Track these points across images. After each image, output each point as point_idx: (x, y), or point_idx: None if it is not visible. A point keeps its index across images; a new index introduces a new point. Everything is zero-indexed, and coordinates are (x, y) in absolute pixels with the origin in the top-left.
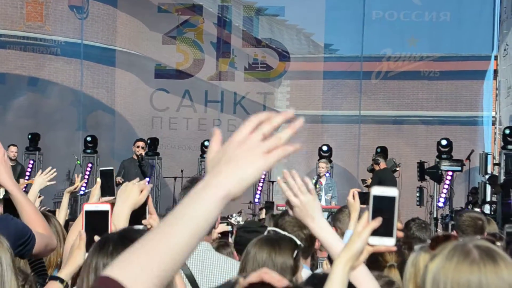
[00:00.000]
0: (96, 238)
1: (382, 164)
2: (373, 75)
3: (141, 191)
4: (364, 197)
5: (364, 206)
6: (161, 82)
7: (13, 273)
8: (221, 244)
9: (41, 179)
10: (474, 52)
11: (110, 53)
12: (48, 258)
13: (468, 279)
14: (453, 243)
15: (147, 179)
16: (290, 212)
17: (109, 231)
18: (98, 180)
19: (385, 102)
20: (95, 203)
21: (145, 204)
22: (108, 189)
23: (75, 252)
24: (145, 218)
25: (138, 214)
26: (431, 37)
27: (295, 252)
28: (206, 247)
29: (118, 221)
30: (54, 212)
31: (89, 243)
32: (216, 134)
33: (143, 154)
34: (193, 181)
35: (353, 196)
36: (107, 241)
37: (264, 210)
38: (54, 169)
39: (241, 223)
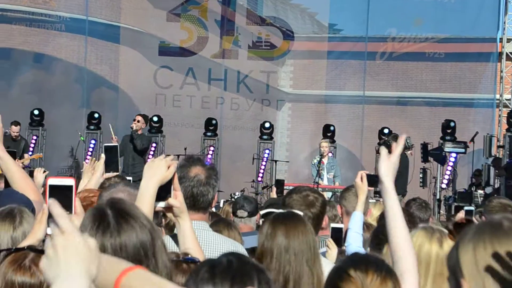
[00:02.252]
0: None
1: (394, 146)
2: (377, 56)
3: (168, 167)
4: (372, 179)
5: (372, 188)
6: (165, 60)
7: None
8: (225, 224)
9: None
10: (479, 34)
11: (115, 30)
12: None
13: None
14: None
15: (173, 156)
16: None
17: (73, 207)
18: (102, 155)
19: (389, 83)
20: (59, 177)
21: (170, 180)
22: (112, 165)
23: (36, 226)
24: (170, 194)
25: (163, 190)
26: (436, 18)
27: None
28: (203, 226)
29: (145, 196)
30: None
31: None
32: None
33: (133, 127)
34: (189, 160)
35: (361, 178)
36: (103, 217)
37: (274, 188)
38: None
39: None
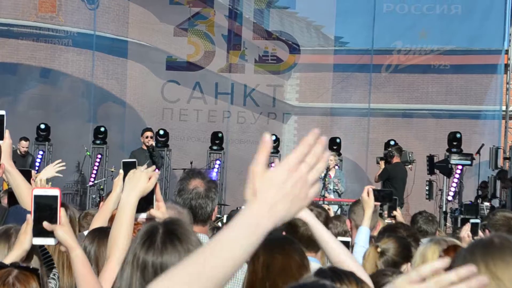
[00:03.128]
0: (45, 223)
1: (396, 158)
2: (383, 68)
3: (149, 178)
4: (378, 194)
5: (378, 203)
6: (172, 74)
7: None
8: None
9: (50, 168)
10: (485, 46)
11: (122, 44)
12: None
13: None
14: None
15: (154, 166)
16: None
17: (58, 217)
18: (121, 171)
19: (395, 95)
20: (44, 187)
21: (152, 191)
22: None
23: (21, 237)
24: (152, 205)
25: (145, 201)
26: (442, 30)
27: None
28: (202, 239)
29: (126, 208)
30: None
31: (38, 228)
32: (266, 143)
33: (154, 144)
34: (189, 173)
35: (368, 193)
36: (152, 235)
37: None
38: (64, 163)
39: None
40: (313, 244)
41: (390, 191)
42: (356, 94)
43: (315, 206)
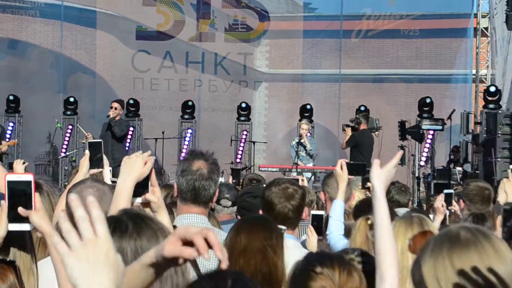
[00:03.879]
0: (20, 209)
1: (363, 125)
2: (353, 34)
3: (145, 163)
4: (351, 168)
5: (352, 177)
6: (142, 44)
7: None
8: None
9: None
10: (454, 10)
11: (91, 14)
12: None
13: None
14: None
15: (149, 151)
16: None
17: (33, 202)
18: (87, 152)
19: (365, 61)
20: (17, 173)
21: (148, 176)
22: (96, 162)
23: None
24: (148, 190)
25: (140, 186)
26: None
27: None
28: (202, 220)
29: (122, 193)
30: None
31: (12, 214)
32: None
33: (110, 114)
34: (192, 153)
35: (341, 166)
36: (119, 221)
37: (230, 177)
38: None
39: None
40: (290, 222)
41: (363, 164)
42: (327, 60)
43: (291, 184)
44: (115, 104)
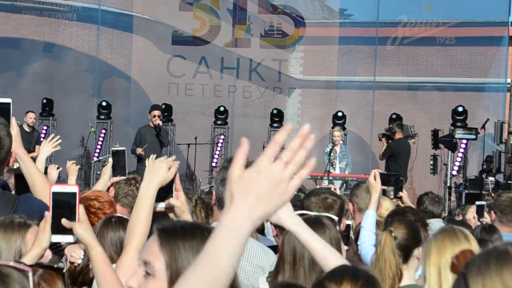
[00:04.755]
0: (64, 221)
1: (398, 134)
2: (388, 41)
3: (169, 168)
4: (385, 178)
5: (385, 187)
6: (178, 49)
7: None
8: None
9: (47, 147)
10: (489, 18)
11: (127, 19)
12: None
13: None
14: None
15: (174, 156)
16: None
17: (77, 214)
18: (110, 160)
19: (400, 68)
20: (63, 184)
21: (172, 180)
22: (120, 169)
23: (40, 235)
24: (172, 195)
25: (164, 191)
26: (447, 3)
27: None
28: None
29: (146, 197)
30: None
31: (56, 225)
32: (244, 145)
33: (161, 123)
34: (230, 161)
35: (374, 177)
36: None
37: None
38: (58, 136)
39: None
40: None
41: (396, 174)
42: (361, 67)
43: (330, 194)
44: (158, 112)
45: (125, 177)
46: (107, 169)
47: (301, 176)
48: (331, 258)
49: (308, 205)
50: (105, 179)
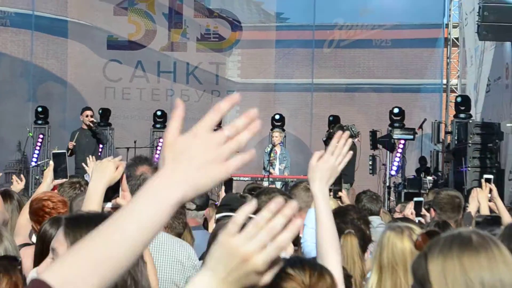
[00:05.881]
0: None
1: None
2: (325, 44)
3: (116, 168)
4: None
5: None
6: (114, 53)
7: None
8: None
9: None
10: (425, 21)
11: (62, 24)
12: None
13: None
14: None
15: (120, 156)
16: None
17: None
18: (51, 162)
19: (337, 71)
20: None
21: (118, 181)
22: (61, 172)
23: (45, 174)
24: (118, 194)
25: (111, 191)
26: (382, 6)
27: None
28: None
29: (94, 197)
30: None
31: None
32: (179, 108)
33: (94, 121)
34: (136, 159)
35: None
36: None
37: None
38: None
39: None
40: None
41: (339, 175)
42: (299, 70)
43: (281, 194)
44: (90, 112)
45: (67, 179)
46: (49, 172)
47: (244, 158)
48: (332, 243)
49: (259, 204)
50: (48, 181)
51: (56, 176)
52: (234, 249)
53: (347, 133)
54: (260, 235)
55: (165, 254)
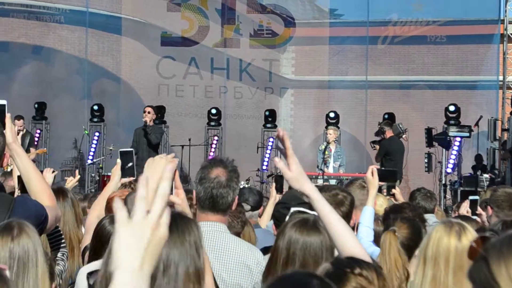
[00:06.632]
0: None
1: (388, 133)
2: (379, 40)
3: None
4: (382, 174)
5: (383, 183)
6: (167, 50)
7: (44, 258)
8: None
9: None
10: (481, 16)
11: (116, 21)
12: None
13: None
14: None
15: (173, 153)
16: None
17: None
18: (118, 161)
19: (392, 67)
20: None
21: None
22: (128, 170)
23: (113, 173)
24: (172, 192)
25: None
26: (437, 2)
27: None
28: (220, 228)
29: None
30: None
31: None
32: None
33: (147, 120)
34: (211, 161)
35: (372, 173)
36: None
37: (273, 184)
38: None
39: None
40: None
41: (394, 170)
42: (353, 67)
43: (341, 191)
44: (148, 109)
45: (134, 178)
46: (117, 170)
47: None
48: (349, 238)
49: None
50: (115, 180)
51: (123, 174)
52: (141, 227)
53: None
54: (147, 203)
55: (232, 257)
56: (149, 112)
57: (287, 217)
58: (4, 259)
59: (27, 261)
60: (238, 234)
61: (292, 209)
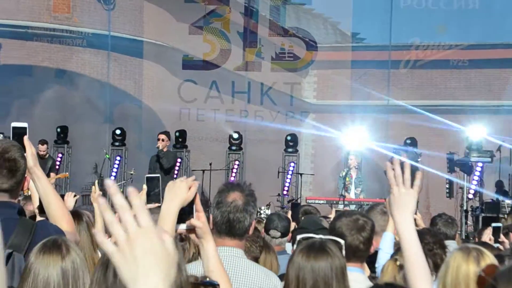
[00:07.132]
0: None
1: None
2: (401, 64)
3: (189, 188)
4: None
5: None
6: (189, 73)
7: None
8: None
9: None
10: (503, 40)
11: (138, 45)
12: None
13: None
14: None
15: (193, 176)
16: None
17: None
18: (144, 186)
19: (414, 91)
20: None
21: (192, 201)
22: (154, 196)
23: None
24: (193, 215)
25: (185, 212)
26: (459, 26)
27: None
28: (237, 253)
29: (167, 219)
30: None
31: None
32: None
33: (160, 146)
34: (228, 185)
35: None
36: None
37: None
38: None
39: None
40: (360, 254)
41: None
42: (375, 91)
43: (362, 216)
44: (162, 136)
45: (159, 204)
46: (142, 196)
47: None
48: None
49: (340, 226)
50: None
51: (148, 201)
52: (144, 235)
53: (395, 160)
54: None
55: (248, 282)
56: (162, 140)
57: (295, 246)
58: (58, 277)
59: (77, 277)
60: (256, 259)
61: (298, 237)
